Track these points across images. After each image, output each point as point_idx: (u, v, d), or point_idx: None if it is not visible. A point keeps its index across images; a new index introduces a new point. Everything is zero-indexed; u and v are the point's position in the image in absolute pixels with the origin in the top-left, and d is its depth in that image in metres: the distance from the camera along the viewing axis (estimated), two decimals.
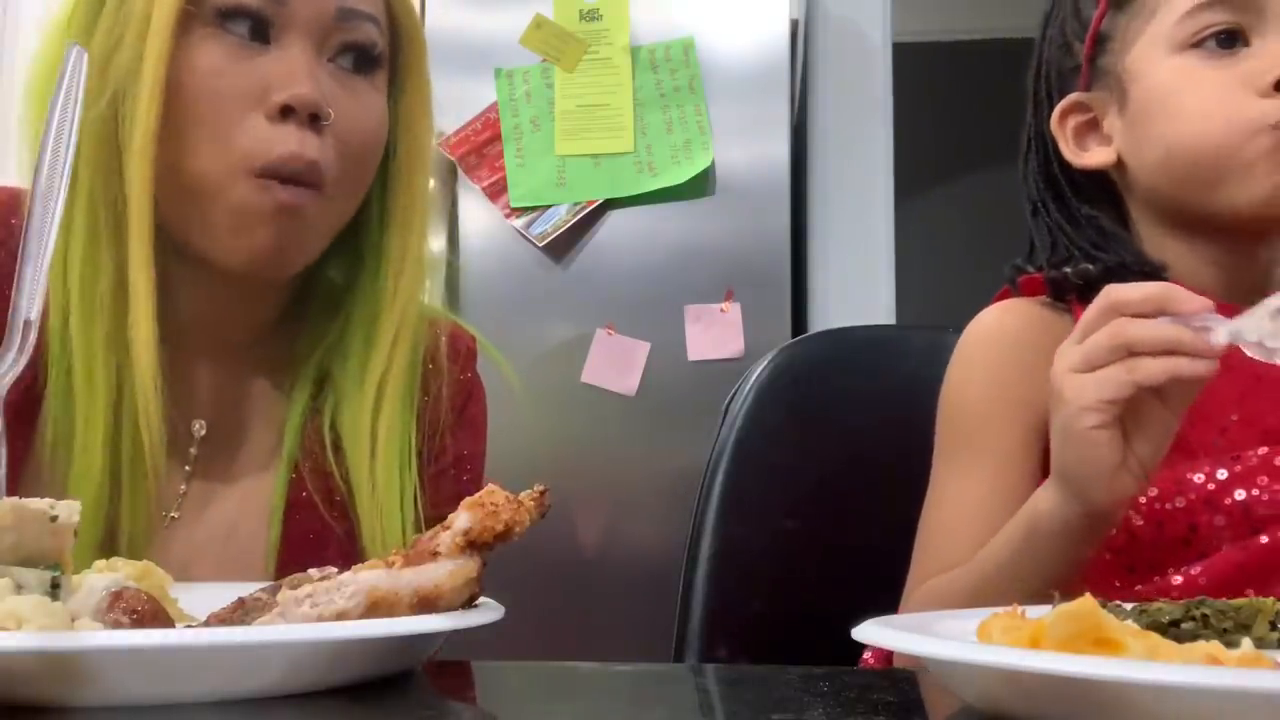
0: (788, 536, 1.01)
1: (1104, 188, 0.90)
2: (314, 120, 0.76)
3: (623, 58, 2.03)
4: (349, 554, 0.80)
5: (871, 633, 0.47)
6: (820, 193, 2.28)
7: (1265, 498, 0.74)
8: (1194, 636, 0.52)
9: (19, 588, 0.46)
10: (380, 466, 0.80)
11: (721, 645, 0.99)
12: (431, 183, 0.94)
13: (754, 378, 1.07)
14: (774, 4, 2.05)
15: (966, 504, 0.82)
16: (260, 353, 0.86)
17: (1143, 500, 0.75)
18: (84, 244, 0.75)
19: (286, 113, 0.75)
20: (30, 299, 0.57)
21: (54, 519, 0.48)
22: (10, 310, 0.57)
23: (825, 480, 0.92)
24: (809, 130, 2.31)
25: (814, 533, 0.91)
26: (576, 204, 2.01)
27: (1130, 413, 0.65)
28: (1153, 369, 0.63)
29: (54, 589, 0.48)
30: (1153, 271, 0.82)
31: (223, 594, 0.56)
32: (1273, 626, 0.53)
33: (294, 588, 0.50)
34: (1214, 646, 0.41)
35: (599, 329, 2.00)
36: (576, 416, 1.99)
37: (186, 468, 0.82)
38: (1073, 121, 0.91)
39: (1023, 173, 0.94)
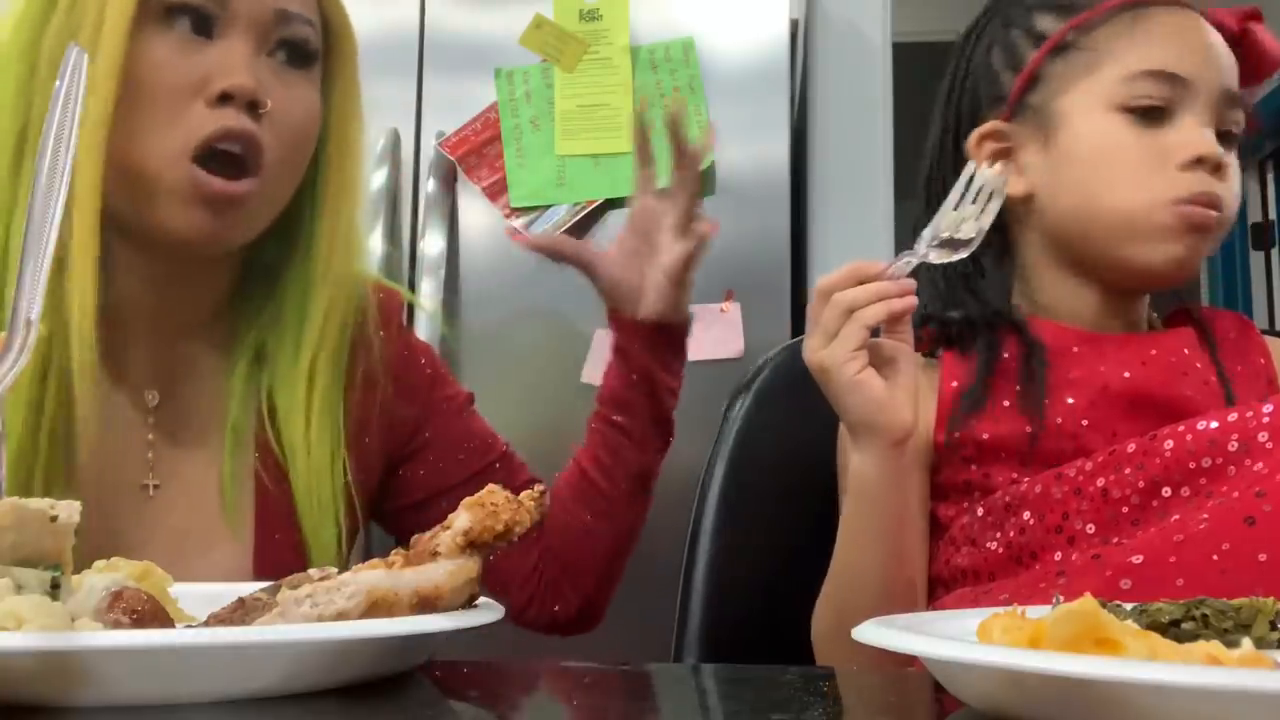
0: (788, 536, 1.01)
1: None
2: (252, 108, 0.81)
3: (623, 58, 2.03)
4: (288, 516, 0.86)
5: (871, 633, 0.47)
6: (820, 193, 2.28)
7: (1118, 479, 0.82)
8: (1194, 636, 0.52)
9: (19, 588, 0.46)
10: (315, 434, 0.87)
11: (721, 645, 1.00)
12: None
13: (754, 378, 1.07)
14: (774, 4, 2.04)
15: None
16: (205, 330, 0.90)
17: (1032, 498, 0.84)
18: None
19: (225, 99, 0.80)
20: (30, 299, 0.57)
21: (54, 519, 0.48)
22: (10, 311, 0.58)
23: (825, 480, 0.93)
24: (809, 130, 2.31)
25: (814, 533, 0.91)
26: (576, 204, 2.01)
27: (879, 362, 0.81)
28: (873, 311, 0.80)
29: (54, 589, 0.48)
30: (1014, 323, 0.92)
31: (223, 594, 0.56)
32: (1273, 626, 0.53)
33: (294, 588, 0.50)
34: (1214, 646, 0.41)
35: (599, 329, 2.00)
36: (576, 416, 1.98)
37: (150, 436, 0.86)
38: (990, 146, 0.96)
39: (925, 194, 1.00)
